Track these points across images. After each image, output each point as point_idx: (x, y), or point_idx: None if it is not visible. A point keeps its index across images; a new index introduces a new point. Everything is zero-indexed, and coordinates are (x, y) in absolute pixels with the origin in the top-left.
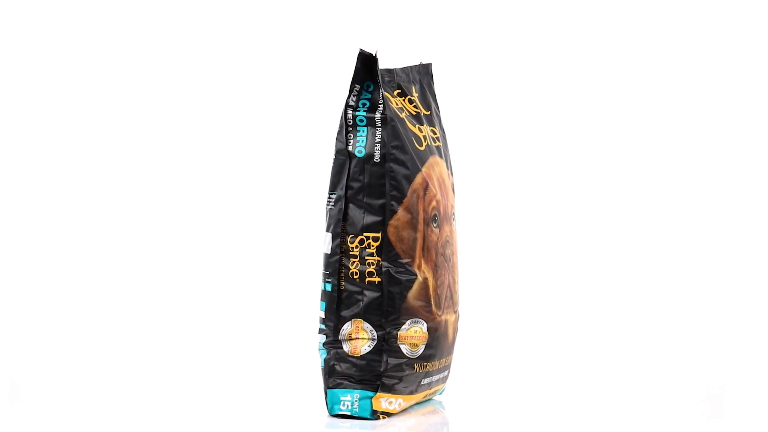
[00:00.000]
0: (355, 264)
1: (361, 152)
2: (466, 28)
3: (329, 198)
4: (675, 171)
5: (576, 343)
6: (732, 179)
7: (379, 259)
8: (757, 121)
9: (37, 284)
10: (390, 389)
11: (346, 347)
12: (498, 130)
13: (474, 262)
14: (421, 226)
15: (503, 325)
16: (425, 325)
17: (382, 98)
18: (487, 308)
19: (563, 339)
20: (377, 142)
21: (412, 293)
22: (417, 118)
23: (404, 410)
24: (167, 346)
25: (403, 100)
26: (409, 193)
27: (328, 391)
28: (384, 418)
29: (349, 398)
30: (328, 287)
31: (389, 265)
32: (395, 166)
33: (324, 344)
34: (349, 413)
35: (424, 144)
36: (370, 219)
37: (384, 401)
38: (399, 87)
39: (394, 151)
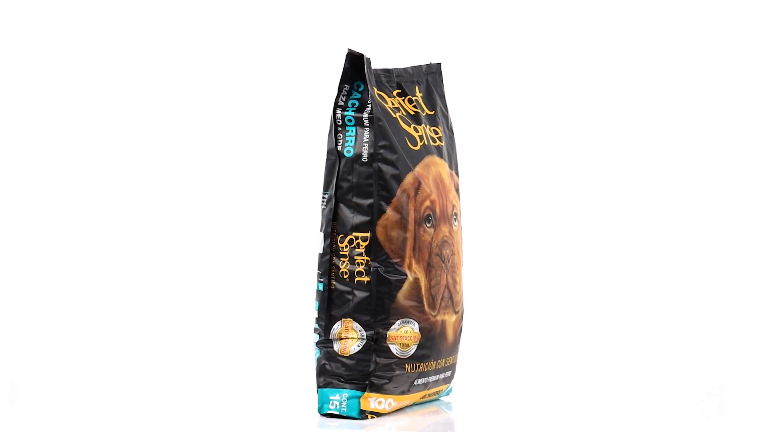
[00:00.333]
0: (345, 264)
1: (350, 152)
2: (476, 28)
3: (322, 198)
4: (677, 173)
5: (576, 344)
6: (734, 180)
7: (368, 258)
8: (757, 121)
9: (37, 284)
10: (379, 389)
11: (336, 347)
12: (508, 131)
13: (482, 263)
14: (411, 226)
15: (511, 325)
16: (417, 325)
17: (371, 98)
18: (495, 308)
19: (564, 339)
20: (365, 142)
21: (402, 293)
22: (415, 118)
23: (399, 410)
24: (165, 345)
25: (403, 99)
26: (398, 193)
27: (318, 390)
28: (373, 417)
29: (338, 397)
30: (321, 287)
31: (378, 264)
32: (383, 166)
33: (317, 343)
34: (337, 412)
35: (420, 144)
36: (358, 219)
37: (373, 401)
38: (399, 86)
39: (381, 151)
